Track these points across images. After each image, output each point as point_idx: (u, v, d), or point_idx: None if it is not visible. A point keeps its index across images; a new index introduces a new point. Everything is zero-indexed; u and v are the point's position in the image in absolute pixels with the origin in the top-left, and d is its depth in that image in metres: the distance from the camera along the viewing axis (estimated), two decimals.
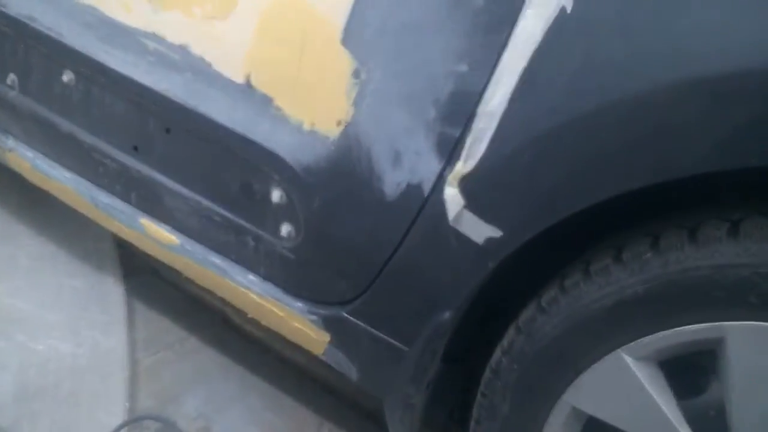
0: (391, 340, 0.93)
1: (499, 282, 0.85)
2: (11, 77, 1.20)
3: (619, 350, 0.78)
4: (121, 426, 1.15)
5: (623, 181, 0.71)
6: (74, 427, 1.14)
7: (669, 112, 0.67)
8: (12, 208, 1.59)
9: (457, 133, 0.80)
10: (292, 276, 1.01)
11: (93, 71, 1.09)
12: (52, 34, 1.11)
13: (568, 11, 0.71)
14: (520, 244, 0.79)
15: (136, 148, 1.10)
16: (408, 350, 0.91)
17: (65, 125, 1.17)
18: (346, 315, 0.95)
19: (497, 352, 0.86)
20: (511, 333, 0.86)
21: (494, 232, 0.80)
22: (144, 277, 1.49)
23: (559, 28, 0.72)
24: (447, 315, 0.85)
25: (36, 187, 1.30)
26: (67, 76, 1.13)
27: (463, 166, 0.80)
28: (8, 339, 1.25)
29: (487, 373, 0.87)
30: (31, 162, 1.25)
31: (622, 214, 0.78)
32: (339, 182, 0.91)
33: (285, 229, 0.98)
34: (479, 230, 0.80)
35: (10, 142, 1.27)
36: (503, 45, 0.76)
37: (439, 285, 0.86)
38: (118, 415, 1.17)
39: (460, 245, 0.82)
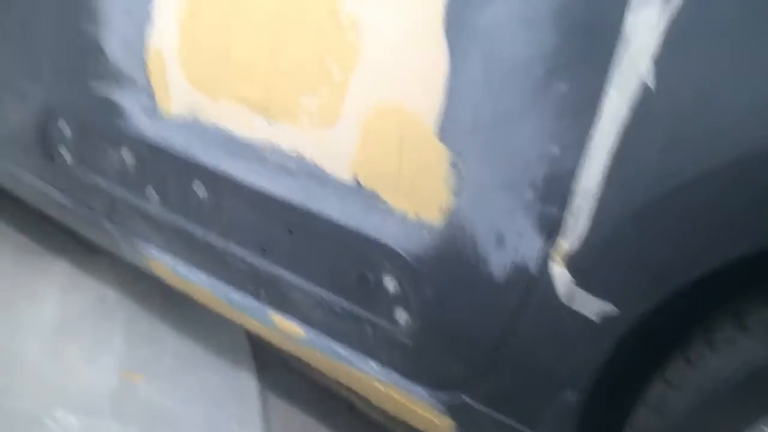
0: (516, 424, 0.95)
1: (624, 358, 0.86)
2: (152, 193, 1.38)
3: (762, 424, 0.76)
4: None
5: (730, 249, 0.72)
6: None
7: (762, 179, 0.69)
8: (156, 311, 1.77)
9: (556, 211, 0.84)
10: (410, 362, 1.06)
11: (222, 182, 1.24)
12: (185, 153, 1.28)
13: (652, 88, 0.75)
14: (637, 319, 0.80)
15: (263, 249, 1.22)
16: None
17: (200, 232, 1.32)
18: (467, 399, 0.99)
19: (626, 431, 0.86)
20: (641, 411, 0.86)
21: (608, 308, 0.82)
22: (275, 370, 1.60)
23: (645, 105, 0.76)
24: (571, 395, 0.87)
25: (175, 289, 1.46)
26: (200, 188, 1.29)
27: (567, 243, 0.84)
28: None
29: None
30: (171, 268, 1.41)
31: (736, 280, 0.78)
32: (447, 267, 0.97)
33: (400, 315, 1.05)
34: (593, 307, 0.82)
35: (153, 251, 1.45)
36: (591, 125, 0.80)
37: (559, 364, 0.88)
38: None
39: (576, 323, 0.84)
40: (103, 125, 1.43)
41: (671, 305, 0.79)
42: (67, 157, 1.53)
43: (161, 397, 1.49)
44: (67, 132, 1.51)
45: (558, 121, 0.83)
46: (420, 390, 1.05)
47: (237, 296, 1.30)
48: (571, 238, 0.83)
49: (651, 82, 0.75)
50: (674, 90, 0.75)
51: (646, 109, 0.76)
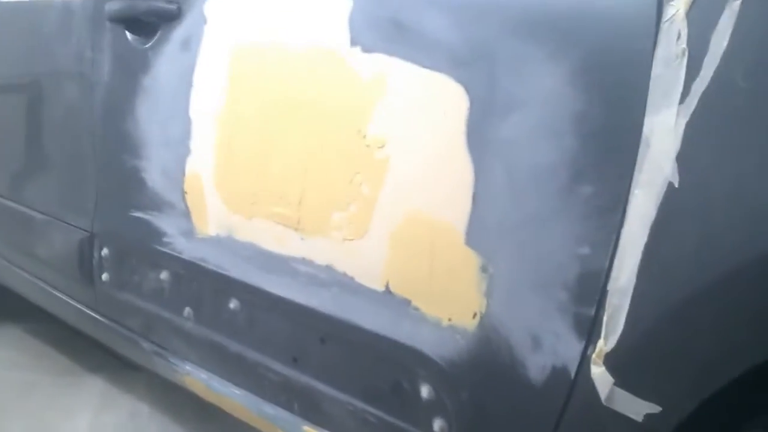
0: None
1: None
2: (187, 310, 1.34)
3: None
4: None
5: None
6: None
7: None
8: (188, 424, 1.68)
9: (591, 312, 0.78)
10: None
11: (255, 297, 1.19)
12: (220, 270, 1.24)
13: (676, 185, 0.72)
14: (683, 417, 0.73)
15: (295, 360, 1.16)
16: None
17: (233, 346, 1.26)
18: None
19: None
20: None
21: (652, 408, 0.74)
22: None
23: (671, 202, 0.72)
24: None
25: (209, 403, 1.37)
26: (233, 303, 1.24)
27: (605, 343, 0.77)
28: None
29: None
30: (205, 383, 1.34)
31: None
32: (484, 372, 0.90)
33: (437, 424, 0.96)
34: (635, 407, 0.75)
35: (188, 367, 1.37)
36: (620, 224, 0.76)
37: None
38: None
39: (619, 424, 0.76)
40: (143, 249, 1.40)
41: (721, 400, 0.71)
42: (107, 280, 1.50)
43: None
44: (108, 257, 1.49)
45: (586, 222, 0.79)
46: None
47: (270, 409, 1.22)
48: (608, 338, 0.77)
49: (675, 180, 0.72)
50: (700, 186, 0.71)
51: (673, 206, 0.72)
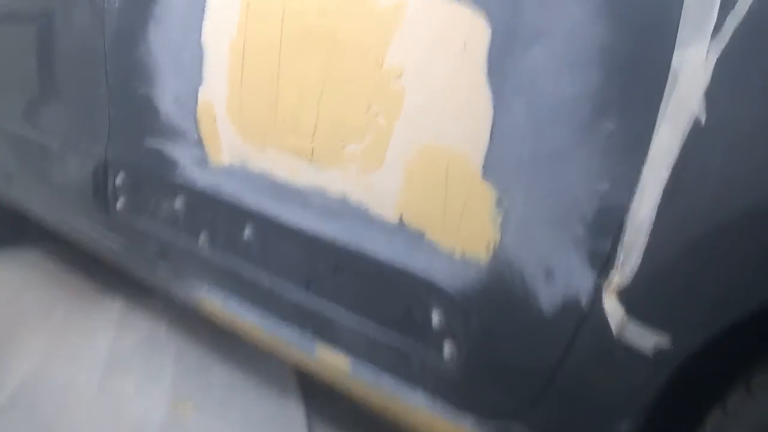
0: None
1: (681, 386, 0.76)
2: (202, 237, 1.31)
3: None
4: None
5: None
6: None
7: None
8: (205, 343, 1.69)
9: (607, 246, 0.76)
10: (459, 392, 0.96)
11: (269, 225, 1.16)
12: (234, 199, 1.21)
13: (702, 123, 0.67)
14: (692, 350, 0.71)
15: (308, 286, 1.14)
16: None
17: (248, 272, 1.24)
18: (518, 428, 0.89)
19: None
20: None
21: (662, 341, 0.72)
22: (322, 399, 1.49)
23: (696, 139, 0.68)
24: (625, 426, 0.77)
25: (224, 326, 1.37)
26: (248, 231, 1.21)
27: (619, 277, 0.75)
28: None
29: None
30: (221, 305, 1.33)
31: None
32: (495, 302, 0.88)
33: (448, 349, 0.95)
34: (646, 340, 0.73)
35: (204, 291, 1.36)
36: (642, 160, 0.72)
37: (612, 395, 0.79)
38: None
39: (628, 355, 0.75)
40: (157, 177, 1.36)
41: (730, 336, 0.70)
42: (123, 206, 1.46)
43: (210, 427, 1.39)
44: (123, 184, 1.45)
45: (607, 157, 0.75)
46: (467, 419, 0.95)
47: (284, 331, 1.21)
48: (623, 272, 0.75)
49: (702, 117, 0.67)
50: (726, 124, 0.66)
51: (697, 143, 0.68)
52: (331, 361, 1.14)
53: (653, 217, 0.71)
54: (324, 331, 1.14)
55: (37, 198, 1.77)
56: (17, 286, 1.89)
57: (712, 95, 0.67)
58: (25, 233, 2.11)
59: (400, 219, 0.96)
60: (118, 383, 1.51)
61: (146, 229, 1.43)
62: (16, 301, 1.81)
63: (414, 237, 0.95)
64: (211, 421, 1.40)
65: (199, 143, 1.25)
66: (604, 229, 0.76)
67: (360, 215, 1.01)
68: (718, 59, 0.66)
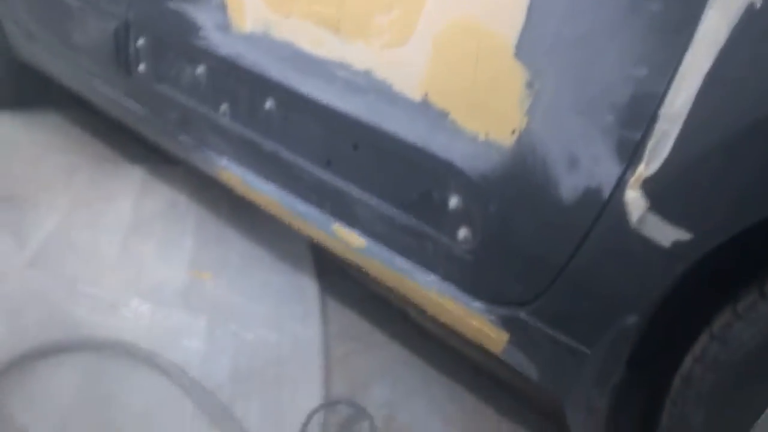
0: (572, 343, 0.87)
1: (690, 285, 0.77)
2: (223, 107, 1.31)
3: None
4: (318, 408, 1.20)
5: None
6: (279, 407, 1.21)
7: None
8: (224, 215, 1.73)
9: (637, 136, 0.74)
10: (470, 277, 0.99)
11: (291, 98, 1.15)
12: (256, 68, 1.19)
13: (758, 6, 0.63)
14: (711, 248, 0.71)
15: (328, 163, 1.14)
16: (590, 353, 0.85)
17: (268, 145, 1.25)
18: (524, 315, 0.92)
19: (688, 360, 0.78)
20: (703, 340, 0.77)
21: (682, 235, 0.72)
22: (334, 276, 1.55)
23: (747, 26, 0.64)
24: (632, 319, 0.79)
25: (243, 198, 1.40)
26: (269, 103, 1.20)
27: (646, 168, 0.74)
28: (224, 327, 1.35)
29: (677, 381, 0.79)
30: (240, 177, 1.35)
31: None
32: (515, 188, 0.88)
33: (462, 233, 0.97)
34: (665, 233, 0.73)
35: (224, 161, 1.38)
36: (685, 46, 0.69)
37: (623, 288, 0.80)
38: (315, 398, 1.22)
39: (645, 249, 0.75)
40: (179, 41, 1.34)
41: (749, 236, 0.69)
42: (144, 71, 1.46)
43: (228, 293, 1.46)
44: (144, 47, 1.43)
45: (648, 41, 0.71)
46: (476, 303, 0.98)
47: (301, 206, 1.24)
48: (650, 163, 0.73)
49: (758, 1, 0.63)
50: None
51: (748, 29, 0.64)
52: (347, 239, 1.17)
53: (690, 108, 0.69)
54: (341, 209, 1.16)
55: (58, 59, 1.77)
56: (41, 148, 1.93)
57: None
58: (49, 96, 2.13)
59: (425, 97, 0.95)
60: (139, 247, 1.57)
61: (168, 96, 1.43)
62: (40, 162, 1.85)
63: (437, 116, 0.94)
64: (227, 288, 1.47)
65: (222, 7, 1.22)
66: (636, 118, 0.74)
67: (384, 91, 1.00)
68: None
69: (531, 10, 0.80)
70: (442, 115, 0.93)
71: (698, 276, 0.75)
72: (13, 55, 1.93)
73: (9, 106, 2.10)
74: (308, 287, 1.51)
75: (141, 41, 1.43)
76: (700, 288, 0.78)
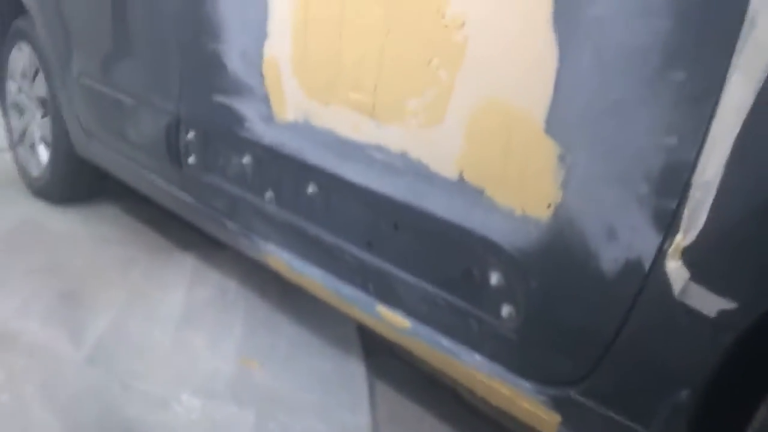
0: (627, 421, 0.86)
1: (743, 355, 0.76)
2: (269, 193, 1.39)
3: None
4: None
5: None
6: None
7: None
8: (273, 300, 1.79)
9: (673, 205, 0.76)
10: (516, 356, 0.99)
11: (332, 182, 1.22)
12: (298, 156, 1.27)
13: None
14: (758, 315, 0.71)
15: (370, 244, 1.19)
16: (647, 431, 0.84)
17: (312, 229, 1.31)
18: (575, 395, 0.91)
19: None
20: (762, 412, 0.76)
21: (727, 304, 0.72)
22: (382, 357, 1.56)
23: None
24: (685, 393, 0.78)
25: (291, 282, 1.45)
26: (311, 188, 1.28)
27: (684, 237, 0.75)
28: (274, 419, 1.37)
29: None
30: (287, 262, 1.41)
31: None
32: (555, 262, 0.90)
33: (505, 310, 0.98)
34: (710, 303, 0.73)
35: (270, 247, 1.45)
36: (712, 113, 0.71)
37: (673, 361, 0.79)
38: None
39: (691, 320, 0.75)
40: (226, 133, 1.45)
41: None
42: (193, 163, 1.57)
43: (276, 382, 1.49)
44: (194, 140, 1.55)
45: (675, 110, 0.74)
46: (525, 384, 0.98)
47: (347, 289, 1.28)
48: (687, 232, 0.75)
49: None
50: None
51: None
52: (391, 321, 1.19)
53: (721, 174, 0.71)
54: (384, 290, 1.19)
55: (116, 155, 1.92)
56: (99, 241, 2.07)
57: None
58: (105, 190, 2.30)
59: (460, 175, 0.99)
60: (191, 338, 1.63)
61: (216, 186, 1.53)
62: (98, 256, 1.98)
63: (474, 194, 0.98)
64: (276, 377, 1.50)
65: (265, 99, 1.32)
66: (670, 187, 0.76)
67: (420, 172, 1.05)
68: None
69: (558, 86, 0.85)
70: (478, 193, 0.97)
71: (752, 345, 0.75)
72: (73, 152, 2.11)
73: (69, 201, 2.27)
74: (356, 372, 1.53)
75: (191, 135, 1.55)
76: (756, 357, 0.76)
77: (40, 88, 2.19)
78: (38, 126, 2.27)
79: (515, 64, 0.89)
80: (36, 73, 2.21)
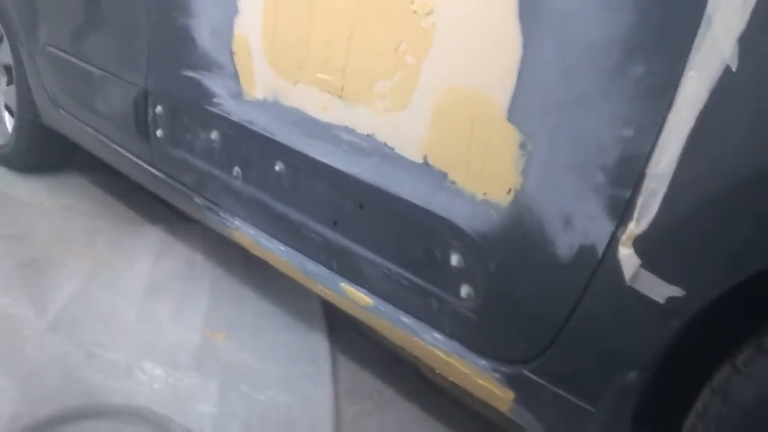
0: (576, 400, 0.88)
1: (689, 341, 0.78)
2: (236, 170, 1.37)
3: None
4: None
5: None
6: None
7: None
8: (239, 274, 1.77)
9: (627, 195, 0.77)
10: (474, 335, 1.01)
11: (299, 161, 1.20)
12: (266, 134, 1.25)
13: (734, 69, 0.67)
14: (705, 303, 0.73)
15: (335, 223, 1.19)
16: (595, 411, 0.85)
17: (278, 206, 1.30)
18: (528, 373, 0.93)
19: (692, 416, 0.78)
20: (705, 395, 0.78)
21: (676, 291, 0.74)
22: (346, 332, 1.57)
23: (726, 87, 0.67)
24: (633, 375, 0.80)
25: (257, 257, 1.44)
26: (278, 166, 1.26)
27: (636, 226, 0.76)
28: (237, 390, 1.36)
29: None
30: (253, 238, 1.40)
31: None
32: (512, 246, 0.90)
33: (464, 290, 0.99)
34: (659, 290, 0.75)
35: (237, 222, 1.43)
36: (668, 108, 0.72)
37: (622, 345, 0.81)
38: None
39: (641, 305, 0.77)
40: (194, 108, 1.42)
41: (744, 291, 0.71)
42: (161, 137, 1.53)
43: (240, 354, 1.49)
44: (162, 115, 1.51)
45: (633, 104, 0.75)
46: (482, 361, 1.00)
47: (311, 266, 1.27)
48: (640, 221, 0.76)
49: (734, 64, 0.66)
50: (758, 72, 0.66)
51: (726, 91, 0.67)
52: (354, 298, 1.19)
53: (675, 167, 0.72)
54: (348, 268, 1.19)
55: (85, 127, 1.86)
56: (62, 211, 2.01)
57: (745, 41, 0.66)
58: (72, 160, 2.23)
59: (425, 159, 0.99)
60: (156, 309, 1.61)
61: (184, 160, 1.50)
62: (63, 226, 1.93)
63: (437, 177, 0.98)
64: (240, 348, 1.50)
65: (235, 76, 1.29)
66: (625, 177, 0.77)
67: (386, 154, 1.04)
68: (756, 4, 0.65)
69: (521, 76, 0.85)
70: (442, 176, 0.97)
71: (698, 331, 0.77)
72: (39, 121, 2.04)
73: (35, 171, 2.21)
74: (320, 345, 1.53)
75: (159, 108, 1.51)
76: (701, 343, 0.79)
77: (5, 55, 2.11)
78: (2, 93, 2.19)
79: (481, 53, 0.89)
80: (0, 39, 2.13)
